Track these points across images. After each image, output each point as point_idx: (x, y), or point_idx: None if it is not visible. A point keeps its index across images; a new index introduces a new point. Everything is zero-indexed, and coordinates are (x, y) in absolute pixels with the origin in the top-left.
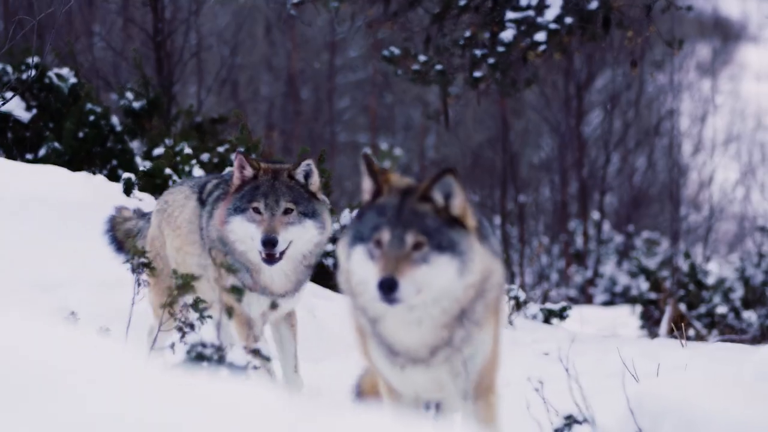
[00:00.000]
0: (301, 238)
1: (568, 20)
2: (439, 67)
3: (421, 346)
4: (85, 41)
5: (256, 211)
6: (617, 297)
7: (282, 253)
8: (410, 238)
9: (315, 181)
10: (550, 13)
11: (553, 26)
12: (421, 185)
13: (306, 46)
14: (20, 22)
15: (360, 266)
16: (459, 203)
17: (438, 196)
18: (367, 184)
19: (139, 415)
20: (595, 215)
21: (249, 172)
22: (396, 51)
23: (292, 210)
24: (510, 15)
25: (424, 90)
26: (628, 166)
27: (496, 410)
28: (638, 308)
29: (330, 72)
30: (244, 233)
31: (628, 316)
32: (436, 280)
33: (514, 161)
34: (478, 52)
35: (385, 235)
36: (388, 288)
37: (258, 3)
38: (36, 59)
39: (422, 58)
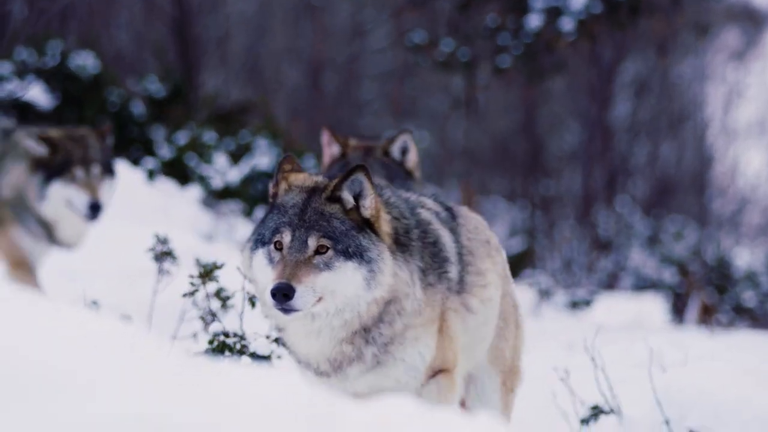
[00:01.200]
0: None
1: (596, 8)
2: (464, 55)
3: (321, 358)
4: (107, 28)
5: None
6: (644, 285)
7: None
8: (313, 241)
9: (412, 158)
10: (578, 0)
11: (580, 14)
12: (329, 183)
13: (330, 34)
14: (43, 9)
15: (260, 272)
16: (370, 204)
17: (347, 196)
18: (272, 184)
19: (161, 401)
20: (622, 203)
21: (336, 150)
22: (421, 39)
23: None
24: (536, 2)
25: (448, 78)
26: (654, 154)
27: (452, 389)
28: (665, 297)
29: (353, 60)
30: None
31: (655, 305)
32: (340, 288)
33: (540, 149)
34: (503, 41)
35: (286, 237)
36: (283, 296)
37: None
38: (59, 46)
39: (447, 46)
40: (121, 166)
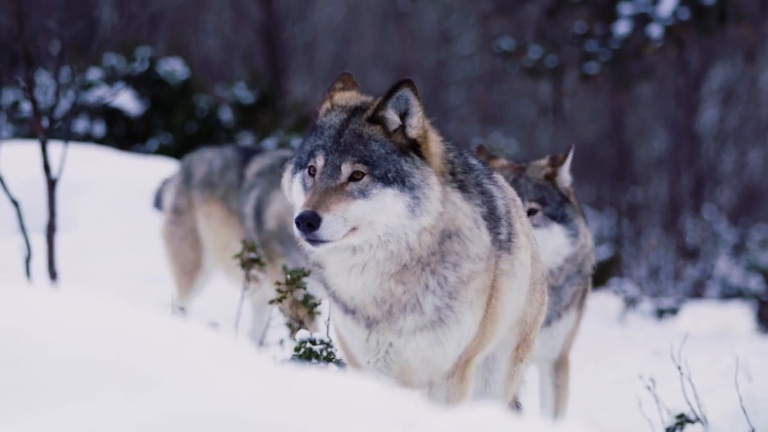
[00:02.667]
0: (547, 245)
1: (684, 15)
2: (552, 62)
3: (367, 298)
4: (195, 34)
5: None
6: (731, 294)
7: None
8: (346, 167)
9: (565, 178)
10: (665, 6)
11: (668, 21)
12: (372, 102)
13: (418, 40)
14: (132, 15)
15: (297, 198)
16: (417, 123)
17: (392, 115)
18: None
19: (252, 405)
20: (709, 211)
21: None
22: (508, 45)
23: (536, 211)
24: (624, 9)
25: (536, 84)
26: (741, 161)
27: (469, 384)
28: (752, 305)
29: (441, 66)
30: None
31: (741, 314)
32: (380, 217)
33: (628, 156)
34: (590, 47)
35: (319, 162)
36: (307, 225)
37: None
38: (147, 52)
39: (534, 53)
40: None
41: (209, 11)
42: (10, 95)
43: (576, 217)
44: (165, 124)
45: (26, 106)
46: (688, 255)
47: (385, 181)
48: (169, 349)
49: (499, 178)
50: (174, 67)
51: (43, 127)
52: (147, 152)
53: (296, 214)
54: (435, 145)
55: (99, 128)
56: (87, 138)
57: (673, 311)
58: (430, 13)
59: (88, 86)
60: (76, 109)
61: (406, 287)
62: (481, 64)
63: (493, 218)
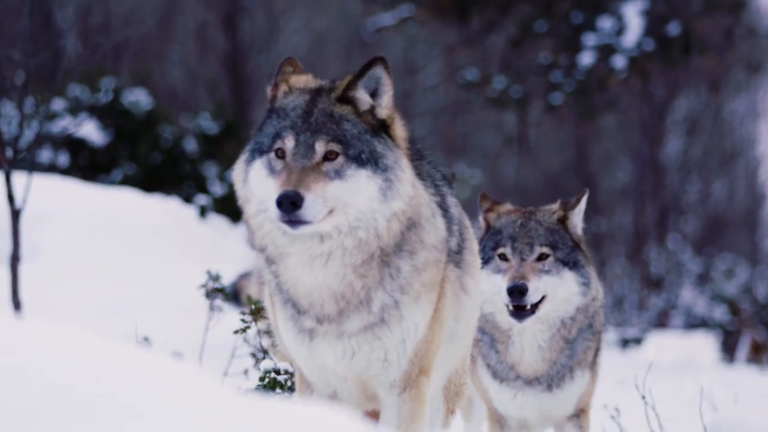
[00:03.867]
0: (558, 293)
1: (648, 46)
2: (516, 93)
3: (326, 293)
4: (160, 64)
5: (503, 258)
6: (695, 324)
7: (535, 307)
8: (320, 146)
9: (578, 223)
10: (630, 37)
11: (632, 52)
12: (342, 81)
13: None
14: (96, 45)
15: (259, 185)
16: (387, 103)
17: (363, 95)
18: (270, 87)
19: None
20: (674, 240)
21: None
22: (473, 76)
23: (548, 256)
24: (588, 40)
25: (500, 115)
26: (706, 191)
27: (425, 404)
28: (716, 335)
29: (406, 97)
30: (491, 287)
31: (705, 344)
32: (354, 200)
33: (592, 186)
34: (555, 78)
35: (289, 142)
36: (290, 204)
37: (335, 28)
38: (112, 82)
39: (499, 83)
40: (173, 203)
41: (174, 41)
42: None
43: (588, 264)
44: (129, 154)
45: None
46: (652, 285)
47: (359, 161)
48: (132, 380)
49: (451, 197)
50: (138, 98)
51: (7, 158)
52: (111, 182)
53: (275, 195)
54: (400, 128)
55: (63, 158)
56: (51, 168)
57: (638, 341)
58: (395, 44)
59: (52, 117)
60: (40, 140)
61: (364, 282)
62: (445, 95)
63: (446, 216)
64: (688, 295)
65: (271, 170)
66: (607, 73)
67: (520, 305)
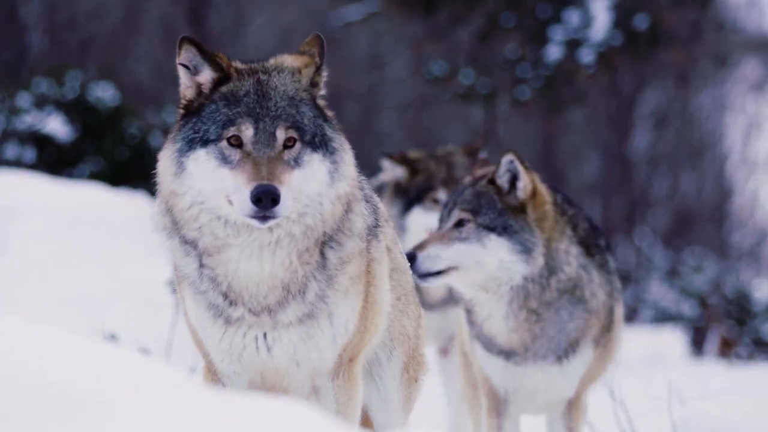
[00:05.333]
0: (483, 262)
1: (616, 39)
2: (484, 87)
3: (271, 282)
4: (126, 58)
5: None
6: (663, 318)
7: (438, 274)
8: (281, 133)
9: (525, 186)
10: (597, 30)
11: (600, 46)
12: (309, 64)
13: (349, 65)
14: (62, 40)
15: (204, 177)
16: (323, 89)
17: (323, 78)
18: (198, 76)
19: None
20: (642, 234)
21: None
22: (440, 70)
23: (466, 221)
24: (556, 34)
25: (468, 109)
26: (674, 185)
27: (358, 384)
28: (685, 330)
29: (373, 91)
30: None
31: (674, 338)
32: (308, 186)
33: (559, 181)
34: (522, 72)
35: (247, 130)
36: (271, 201)
37: (301, 22)
38: (78, 77)
39: (466, 78)
40: (140, 198)
41: (140, 35)
42: None
43: (527, 231)
44: (96, 149)
45: None
46: (620, 279)
47: (313, 146)
48: (99, 376)
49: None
50: (105, 92)
51: None
52: (78, 178)
53: (248, 190)
54: (329, 111)
55: (29, 154)
56: (17, 163)
57: None
58: (361, 38)
59: (17, 111)
60: (6, 135)
61: (305, 268)
62: (412, 89)
63: (364, 197)
64: (657, 290)
65: (225, 160)
66: (574, 67)
67: (422, 274)
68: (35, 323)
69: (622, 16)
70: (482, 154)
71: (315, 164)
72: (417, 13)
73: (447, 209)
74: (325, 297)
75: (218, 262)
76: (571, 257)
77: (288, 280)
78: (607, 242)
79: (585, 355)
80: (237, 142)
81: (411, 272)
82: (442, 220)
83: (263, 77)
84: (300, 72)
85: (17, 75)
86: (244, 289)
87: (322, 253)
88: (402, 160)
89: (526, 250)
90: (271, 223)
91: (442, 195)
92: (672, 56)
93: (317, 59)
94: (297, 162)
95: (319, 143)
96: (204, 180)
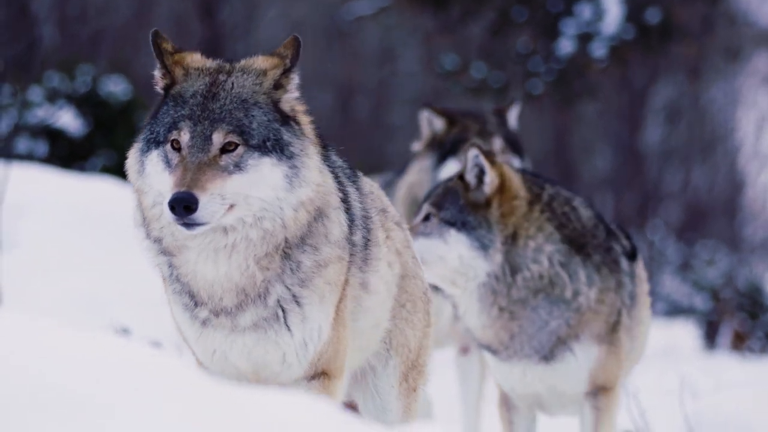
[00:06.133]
0: (446, 258)
1: (628, 33)
2: (496, 81)
3: (228, 285)
4: (137, 52)
5: None
6: (676, 312)
7: None
8: (218, 137)
9: (492, 181)
10: (609, 24)
11: (612, 40)
12: (275, 64)
13: (361, 59)
14: (73, 34)
15: (156, 179)
16: (293, 91)
17: (294, 80)
18: (159, 70)
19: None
20: (654, 228)
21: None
22: (452, 64)
23: (431, 216)
24: (568, 28)
25: (479, 103)
26: (686, 179)
27: (337, 393)
28: (697, 323)
29: (384, 85)
30: None
31: (686, 332)
32: (257, 191)
33: (572, 174)
34: (534, 66)
35: (185, 134)
36: (184, 209)
37: (312, 16)
38: (90, 71)
39: (478, 72)
40: None
41: (151, 29)
42: None
43: (485, 227)
44: (108, 143)
45: None
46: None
47: (263, 150)
48: (111, 369)
49: (366, 183)
50: (116, 86)
51: None
52: (90, 171)
53: (168, 197)
54: (305, 115)
55: (41, 148)
56: (29, 157)
57: None
58: (372, 32)
59: (29, 105)
60: (18, 129)
61: (266, 275)
62: (424, 83)
63: (348, 211)
64: (669, 284)
65: (168, 164)
66: (586, 61)
67: None
68: (45, 319)
69: (633, 10)
70: (510, 113)
71: (264, 168)
72: (428, 6)
73: (421, 203)
74: (300, 298)
75: (180, 262)
76: (541, 255)
77: (244, 284)
78: (630, 244)
79: (584, 353)
80: (177, 146)
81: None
82: (416, 213)
83: (221, 78)
84: (265, 74)
85: (29, 69)
86: (202, 290)
87: (291, 258)
88: (441, 111)
89: (483, 247)
90: (200, 230)
91: None
92: (684, 50)
93: (287, 61)
94: (239, 166)
95: (272, 147)
96: (157, 181)
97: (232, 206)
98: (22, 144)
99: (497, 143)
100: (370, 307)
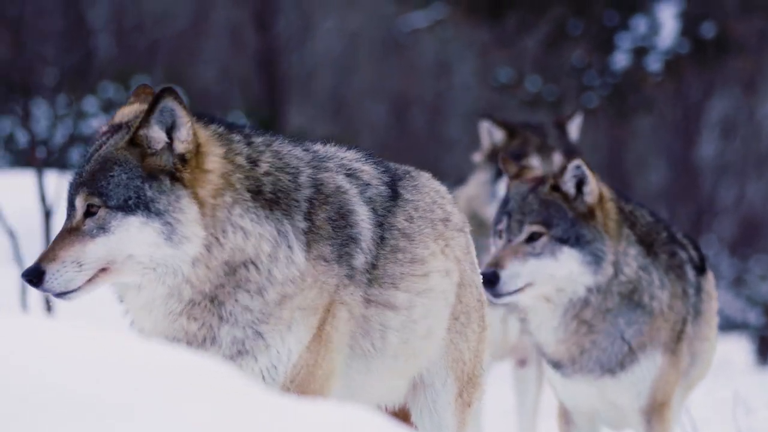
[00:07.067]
0: (556, 276)
1: (683, 47)
2: (551, 94)
3: (164, 335)
4: (193, 63)
5: (499, 235)
6: (729, 327)
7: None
8: (79, 202)
9: (592, 191)
10: (664, 38)
11: (668, 54)
12: (133, 120)
13: (417, 71)
14: (130, 44)
15: None
16: (186, 136)
17: (157, 133)
18: None
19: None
20: (708, 243)
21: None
22: (507, 78)
23: (540, 235)
24: (623, 42)
25: (534, 117)
26: (741, 193)
27: None
28: (751, 338)
29: (440, 97)
30: None
31: (740, 347)
32: (132, 250)
33: (627, 188)
34: (589, 80)
35: (66, 202)
36: (29, 281)
37: (367, 28)
38: (145, 81)
39: (533, 85)
40: None
41: (207, 39)
42: (6, 125)
43: (598, 239)
44: None
45: (23, 136)
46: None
47: (126, 209)
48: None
49: (413, 191)
50: None
51: (39, 158)
52: None
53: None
54: (213, 160)
55: None
56: None
57: None
58: (428, 45)
59: (84, 116)
60: (73, 139)
61: (201, 321)
62: (479, 96)
63: (341, 236)
64: (723, 299)
65: None
66: (641, 74)
67: (494, 294)
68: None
69: (689, 24)
70: (570, 125)
71: (132, 228)
72: (484, 19)
73: (513, 220)
74: (261, 333)
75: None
76: (629, 258)
77: (174, 335)
78: (698, 255)
79: (650, 363)
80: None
81: (481, 287)
82: (508, 230)
83: (108, 135)
84: (129, 128)
85: (84, 79)
86: (147, 336)
87: (230, 303)
88: (501, 123)
89: (597, 261)
90: (68, 298)
91: (534, 161)
92: (739, 64)
93: (138, 118)
94: (103, 229)
95: (135, 205)
96: None
97: (105, 269)
98: (77, 154)
99: (557, 158)
100: (398, 325)
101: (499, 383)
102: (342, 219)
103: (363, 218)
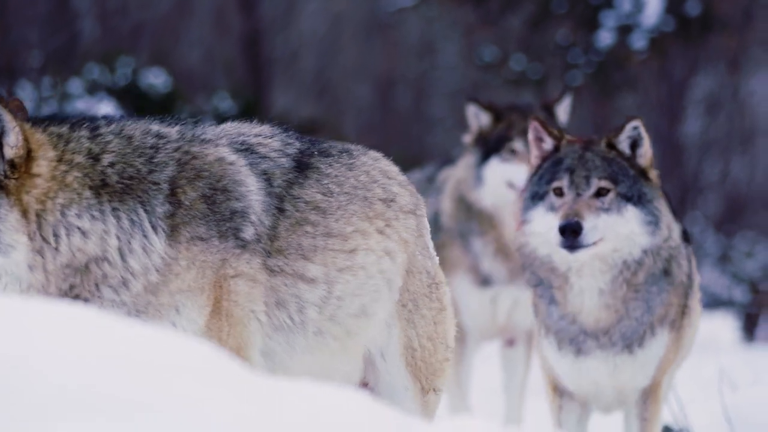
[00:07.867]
0: (619, 234)
1: (668, 25)
2: (535, 73)
3: None
4: (177, 45)
5: (558, 193)
6: (715, 304)
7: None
8: None
9: (646, 152)
10: (649, 16)
11: (652, 32)
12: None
13: (401, 51)
14: (114, 26)
15: None
16: (16, 141)
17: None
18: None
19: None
20: (693, 220)
21: (549, 144)
22: (491, 56)
23: (608, 191)
24: (607, 19)
25: (519, 95)
26: (726, 170)
27: None
28: (736, 315)
29: (424, 77)
30: (544, 226)
31: (725, 324)
32: None
33: None
34: (574, 58)
35: None
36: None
37: (352, 9)
38: (130, 63)
39: (517, 64)
40: None
41: (191, 21)
42: None
43: (656, 198)
44: None
45: None
46: None
47: None
48: (151, 360)
49: (342, 165)
50: (157, 78)
51: None
52: None
53: None
54: (41, 164)
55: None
56: None
57: None
58: (412, 24)
59: (69, 98)
60: None
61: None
62: (463, 75)
63: (220, 211)
64: (708, 276)
65: None
66: (626, 52)
67: (573, 246)
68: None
69: (673, 2)
70: (558, 107)
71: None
72: None
73: (576, 175)
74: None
75: None
76: (673, 223)
77: None
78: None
79: (660, 339)
80: None
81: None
82: (572, 185)
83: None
84: None
85: (69, 61)
86: None
87: (102, 297)
88: (488, 106)
89: (656, 221)
90: None
91: (519, 145)
92: (724, 41)
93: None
94: None
95: None
96: None
97: None
98: None
99: None
100: (317, 298)
101: (488, 363)
102: (222, 193)
103: (251, 189)
